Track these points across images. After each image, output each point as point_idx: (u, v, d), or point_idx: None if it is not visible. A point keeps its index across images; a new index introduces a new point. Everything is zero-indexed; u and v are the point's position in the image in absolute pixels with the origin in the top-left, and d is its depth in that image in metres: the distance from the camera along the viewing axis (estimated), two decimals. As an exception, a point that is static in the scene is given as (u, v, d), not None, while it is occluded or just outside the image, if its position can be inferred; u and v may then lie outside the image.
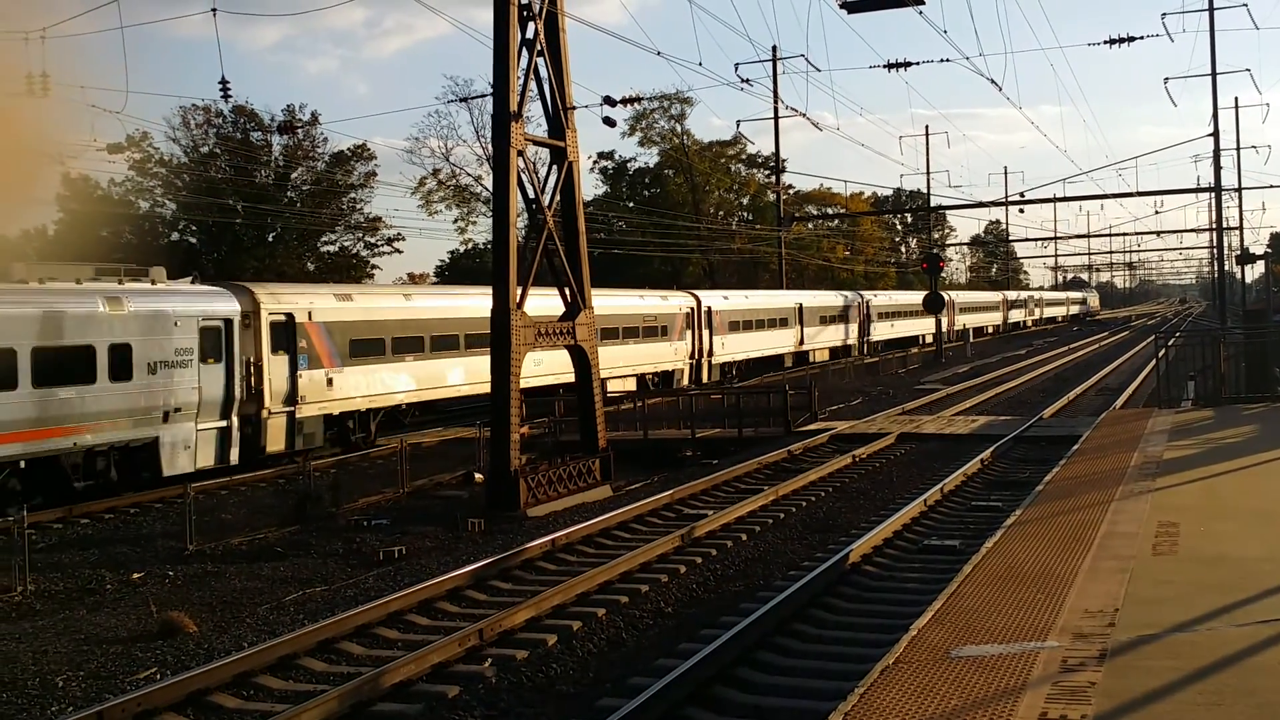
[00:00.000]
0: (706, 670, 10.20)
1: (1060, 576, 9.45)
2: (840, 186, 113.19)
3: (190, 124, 63.14)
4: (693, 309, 47.63)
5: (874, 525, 16.60)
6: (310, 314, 28.14)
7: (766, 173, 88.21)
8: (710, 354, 48.32)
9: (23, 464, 21.29)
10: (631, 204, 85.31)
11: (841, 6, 21.95)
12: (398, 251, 72.19)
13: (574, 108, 22.83)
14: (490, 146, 23.82)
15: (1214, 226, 64.33)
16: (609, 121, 26.17)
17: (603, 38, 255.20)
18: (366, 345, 29.84)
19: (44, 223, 59.08)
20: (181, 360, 24.20)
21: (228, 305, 25.87)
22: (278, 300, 27.38)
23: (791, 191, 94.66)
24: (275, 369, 26.66)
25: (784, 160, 69.66)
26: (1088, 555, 10.19)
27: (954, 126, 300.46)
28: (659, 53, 52.72)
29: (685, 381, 45.98)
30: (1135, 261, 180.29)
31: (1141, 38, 38.39)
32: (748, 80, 57.60)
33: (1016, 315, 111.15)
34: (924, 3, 22.13)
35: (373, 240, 70.30)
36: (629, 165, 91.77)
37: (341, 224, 67.71)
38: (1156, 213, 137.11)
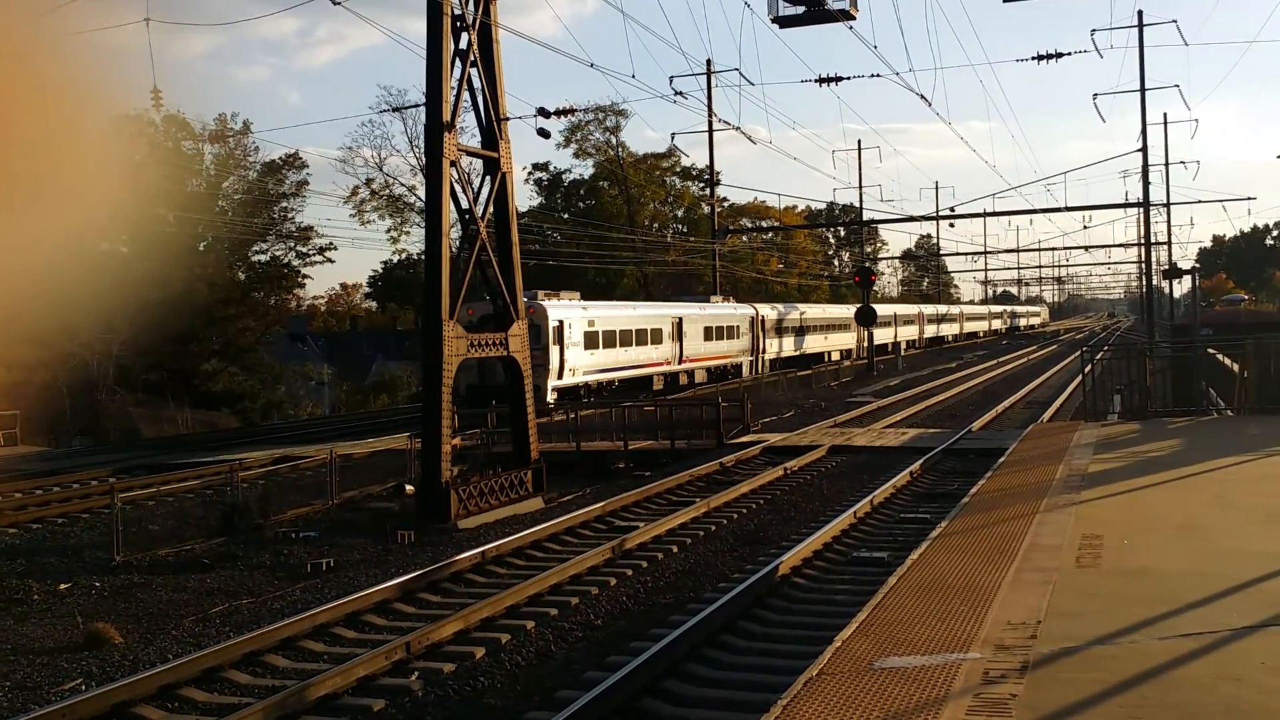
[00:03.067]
0: (635, 683, 10.19)
1: (984, 588, 9.52)
2: (774, 200, 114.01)
3: (121, 134, 62.11)
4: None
5: (804, 537, 16.65)
6: (766, 315, 60.89)
7: (701, 185, 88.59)
8: (872, 339, 69.33)
9: (705, 371, 53.21)
10: (566, 215, 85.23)
11: (773, 21, 22.13)
12: (329, 261, 71.49)
13: (508, 119, 22.80)
14: (424, 157, 23.70)
15: (1142, 241, 65.31)
16: (543, 133, 26.26)
17: (537, 49, 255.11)
18: (781, 331, 63.22)
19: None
20: (740, 333, 57.02)
21: (750, 312, 59.14)
22: (759, 310, 60.12)
23: (726, 204, 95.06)
24: (763, 339, 60.02)
25: (718, 173, 70.00)
26: (1011, 567, 10.28)
27: (885, 141, 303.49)
28: (592, 64, 52.90)
29: (855, 357, 71.83)
30: (1064, 276, 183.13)
31: (1070, 54, 38.92)
32: (681, 93, 58.11)
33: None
34: (854, 18, 22.35)
35: (304, 249, 69.51)
36: (564, 177, 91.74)
37: (273, 233, 66.93)
38: (1085, 228, 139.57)
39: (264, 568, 17.00)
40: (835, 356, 71.21)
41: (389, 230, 79.19)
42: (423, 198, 50.24)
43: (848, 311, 73.22)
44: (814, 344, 68.06)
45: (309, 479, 25.67)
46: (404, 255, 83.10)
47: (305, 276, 71.45)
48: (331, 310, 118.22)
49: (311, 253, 70.04)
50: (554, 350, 40.12)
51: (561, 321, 40.93)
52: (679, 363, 50.14)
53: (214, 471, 25.97)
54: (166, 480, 25.99)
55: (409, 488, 23.06)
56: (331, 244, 70.57)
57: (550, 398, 39.23)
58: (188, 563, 17.57)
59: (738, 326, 57.13)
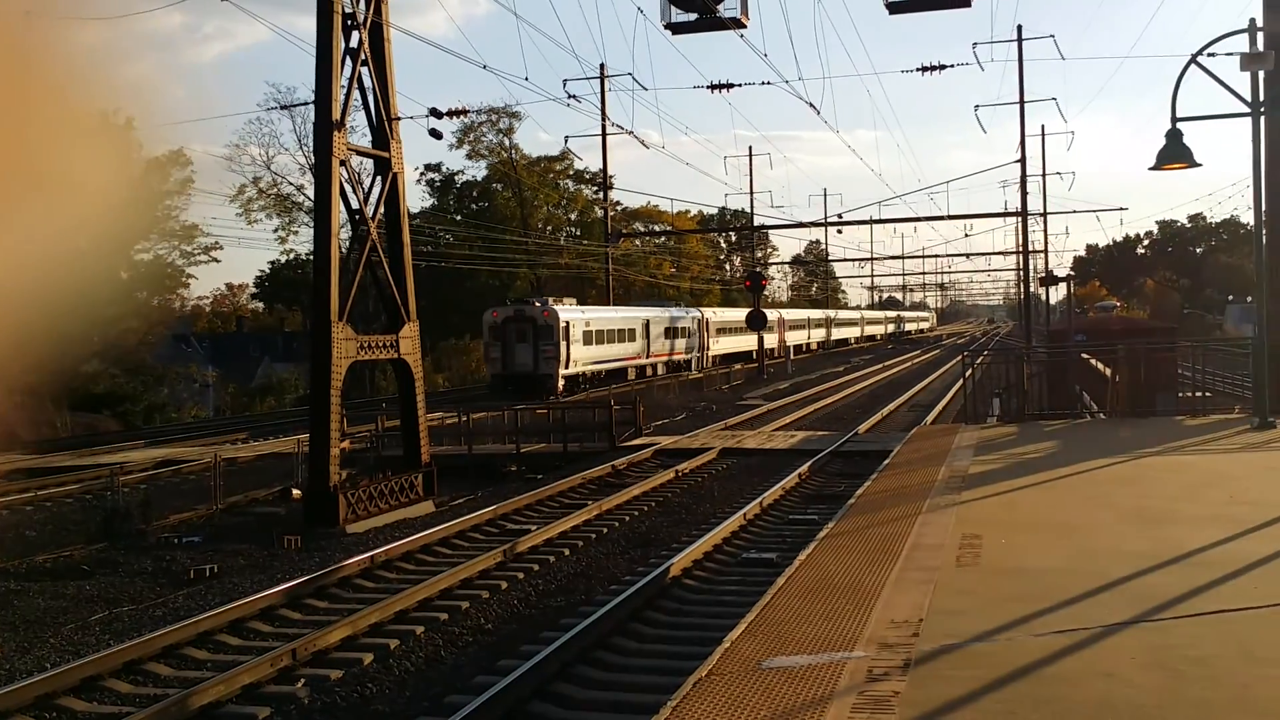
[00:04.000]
0: (525, 687, 10.19)
1: (868, 588, 9.68)
2: (667, 204, 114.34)
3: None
4: (779, 318, 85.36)
5: (695, 539, 16.79)
6: (711, 316, 70.75)
7: (594, 189, 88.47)
8: (784, 342, 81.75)
9: (664, 364, 62.10)
10: (459, 217, 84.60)
11: (666, 27, 22.27)
12: (215, 261, 70.01)
13: (399, 118, 22.62)
14: (313, 155, 23.40)
15: (1020, 249, 66.94)
16: (435, 134, 26.08)
17: (429, 49, 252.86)
18: (720, 331, 71.61)
19: None
20: (690, 333, 65.74)
21: (699, 315, 68.29)
22: (704, 314, 69.65)
23: (619, 208, 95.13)
24: (710, 339, 68.78)
25: (611, 177, 70.05)
26: (895, 567, 10.46)
27: (775, 148, 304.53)
28: (485, 66, 52.46)
29: (777, 353, 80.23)
30: (947, 282, 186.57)
31: (953, 66, 39.73)
32: (575, 96, 57.79)
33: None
34: (745, 26, 22.57)
35: (189, 249, 68.09)
36: (456, 178, 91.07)
37: (156, 232, 65.38)
38: (966, 235, 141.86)
39: (145, 574, 16.64)
40: None
41: (277, 230, 77.91)
42: (312, 197, 49.52)
43: (772, 315, 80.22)
44: (743, 343, 75.58)
45: (192, 483, 25.16)
46: (292, 255, 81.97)
47: (190, 276, 69.96)
48: (217, 311, 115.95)
49: (196, 252, 68.69)
50: (563, 345, 49.08)
51: (569, 322, 49.78)
52: (647, 357, 59.67)
53: (94, 475, 25.36)
54: (44, 484, 25.32)
55: (296, 492, 22.70)
56: (217, 243, 69.22)
57: (560, 384, 48.66)
58: (66, 569, 17.13)
59: (689, 327, 66.53)
